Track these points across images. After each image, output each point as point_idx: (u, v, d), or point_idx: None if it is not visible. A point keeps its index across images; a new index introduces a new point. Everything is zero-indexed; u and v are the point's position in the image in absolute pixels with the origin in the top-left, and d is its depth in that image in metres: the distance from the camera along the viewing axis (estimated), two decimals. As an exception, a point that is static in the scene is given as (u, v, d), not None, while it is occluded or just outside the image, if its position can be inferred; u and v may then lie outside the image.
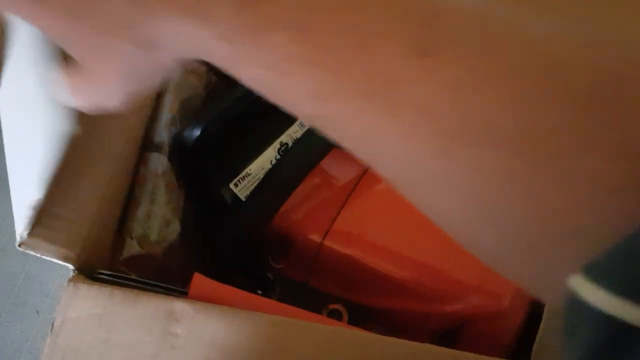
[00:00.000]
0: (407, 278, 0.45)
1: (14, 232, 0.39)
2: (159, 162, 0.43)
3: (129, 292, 0.37)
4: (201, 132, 0.44)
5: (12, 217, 0.39)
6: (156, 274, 0.43)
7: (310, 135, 0.47)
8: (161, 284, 0.39)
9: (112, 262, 0.42)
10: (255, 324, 0.36)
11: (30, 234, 0.37)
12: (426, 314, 0.46)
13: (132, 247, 0.41)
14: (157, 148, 0.43)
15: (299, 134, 0.52)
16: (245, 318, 0.36)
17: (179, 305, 0.36)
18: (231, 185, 0.49)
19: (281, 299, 0.49)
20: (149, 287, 0.39)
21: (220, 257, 0.46)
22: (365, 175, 0.50)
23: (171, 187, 0.44)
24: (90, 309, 0.36)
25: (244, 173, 0.49)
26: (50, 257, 0.38)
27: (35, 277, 1.43)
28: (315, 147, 0.47)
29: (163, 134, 0.44)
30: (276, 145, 0.51)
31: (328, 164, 0.51)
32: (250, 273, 0.51)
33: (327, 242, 0.47)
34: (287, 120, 0.52)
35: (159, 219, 0.42)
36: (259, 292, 0.51)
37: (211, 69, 0.50)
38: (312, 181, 0.50)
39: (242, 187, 0.49)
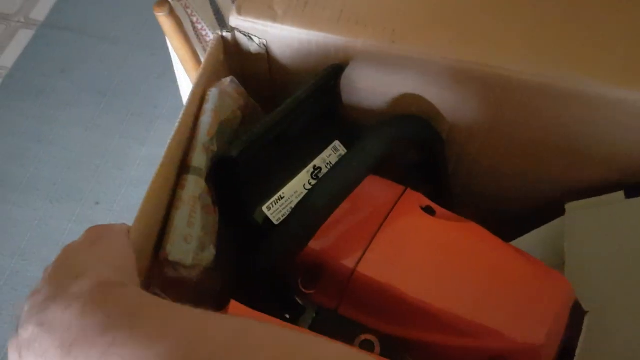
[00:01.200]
0: (441, 310, 0.45)
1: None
2: (196, 186, 0.43)
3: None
4: (238, 156, 0.43)
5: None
6: (191, 298, 0.43)
7: (346, 162, 0.47)
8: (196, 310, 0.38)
9: (148, 285, 0.41)
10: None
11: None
12: (460, 348, 0.45)
13: (168, 271, 0.41)
14: (194, 171, 0.43)
15: (332, 159, 0.52)
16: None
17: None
18: (264, 208, 0.48)
19: (312, 327, 0.48)
20: (185, 313, 0.38)
21: (252, 281, 0.45)
22: (399, 202, 0.50)
23: (207, 210, 0.43)
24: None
25: (277, 196, 0.49)
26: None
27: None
28: (351, 175, 0.46)
29: (201, 156, 0.43)
30: (309, 169, 0.51)
31: (361, 190, 0.50)
32: (279, 296, 0.51)
33: (360, 269, 0.46)
34: (321, 144, 0.52)
35: (195, 242, 0.42)
36: (287, 316, 0.51)
37: (246, 90, 0.50)
38: (346, 206, 0.49)
39: (275, 210, 0.49)
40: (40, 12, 1.71)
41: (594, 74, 0.46)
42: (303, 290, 0.50)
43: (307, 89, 0.47)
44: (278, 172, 0.50)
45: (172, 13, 0.72)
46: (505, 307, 0.45)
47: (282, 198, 0.49)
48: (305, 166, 0.51)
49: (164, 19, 0.73)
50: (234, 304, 0.38)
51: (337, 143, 0.52)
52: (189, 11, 0.78)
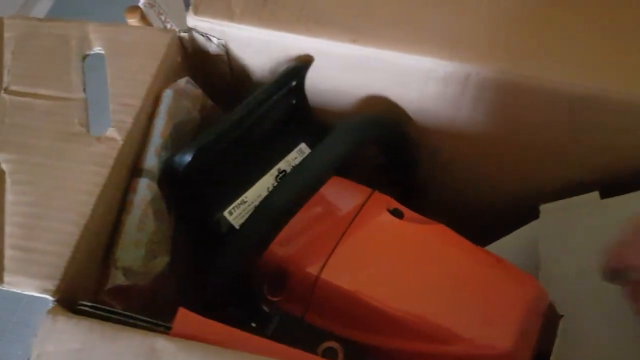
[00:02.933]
0: (406, 316, 0.43)
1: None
2: (147, 189, 0.41)
3: (109, 327, 0.35)
4: (193, 158, 0.42)
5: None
6: (144, 305, 0.41)
7: (307, 162, 0.45)
8: (143, 318, 0.37)
9: (97, 292, 0.40)
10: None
11: (8, 272, 0.36)
12: (427, 355, 0.43)
13: (116, 278, 0.39)
14: (147, 174, 0.42)
15: (297, 161, 0.50)
16: (231, 358, 0.34)
17: (161, 343, 0.34)
18: (225, 213, 0.47)
19: (275, 334, 0.46)
20: (131, 321, 0.37)
21: (212, 288, 0.44)
22: (365, 206, 0.48)
23: (160, 215, 0.42)
24: (68, 343, 0.34)
25: (239, 200, 0.48)
26: (30, 291, 0.36)
27: (39, 298, 1.41)
28: (312, 175, 0.45)
29: (153, 159, 0.42)
30: (274, 172, 0.49)
31: (327, 193, 0.49)
32: (245, 304, 0.49)
33: (324, 276, 0.45)
34: (286, 147, 0.51)
35: (146, 248, 0.40)
36: (253, 324, 0.49)
37: (206, 92, 0.49)
38: (310, 211, 0.48)
39: (237, 215, 0.47)
40: (39, 13, 1.73)
41: (570, 72, 0.45)
42: (269, 297, 0.48)
43: (264, 90, 0.46)
44: (241, 175, 0.48)
45: (143, 19, 0.71)
46: (472, 312, 0.43)
47: (244, 202, 0.48)
48: (270, 169, 0.49)
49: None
50: (181, 312, 0.36)
51: (303, 145, 0.51)
52: (163, 17, 0.77)
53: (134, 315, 0.37)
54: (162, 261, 0.41)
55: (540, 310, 0.45)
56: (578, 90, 0.44)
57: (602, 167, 0.51)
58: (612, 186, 0.51)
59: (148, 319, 0.37)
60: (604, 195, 0.51)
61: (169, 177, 0.43)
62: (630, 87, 0.44)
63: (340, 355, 0.43)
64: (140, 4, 0.79)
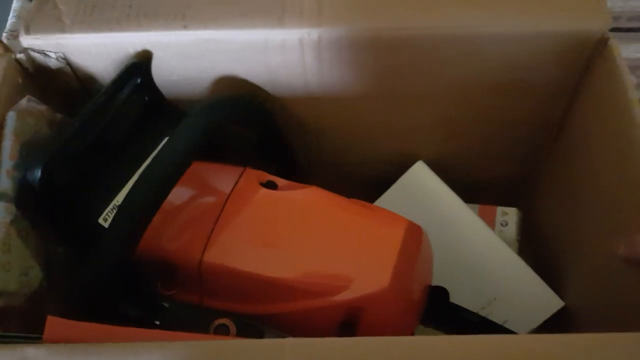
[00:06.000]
0: (289, 278, 0.45)
1: None
2: (5, 212, 0.41)
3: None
4: (42, 173, 0.42)
5: None
6: (25, 324, 0.42)
7: (160, 155, 0.45)
8: (17, 334, 0.37)
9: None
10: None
11: None
12: (316, 310, 0.45)
13: (-10, 303, 0.40)
14: (2, 197, 0.42)
15: (163, 157, 0.51)
16: (97, 351, 0.34)
17: (32, 352, 0.34)
18: (100, 220, 0.47)
19: (172, 325, 0.47)
20: (4, 340, 0.37)
21: (85, 292, 0.44)
22: (237, 184, 0.49)
23: (25, 234, 0.42)
24: None
25: (111, 206, 0.48)
26: None
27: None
28: (166, 166, 0.44)
29: (6, 181, 0.42)
30: (141, 171, 0.50)
31: (199, 177, 0.50)
32: (144, 305, 0.50)
33: (206, 258, 0.46)
34: (151, 144, 0.51)
35: (16, 268, 0.41)
36: (157, 322, 0.50)
37: (60, 106, 0.49)
38: (186, 201, 0.49)
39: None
40: None
41: (391, 17, 0.46)
42: (165, 292, 0.49)
43: (103, 93, 0.46)
44: (111, 180, 0.49)
45: (8, 52, 0.70)
46: (350, 260, 0.45)
47: (117, 207, 0.48)
48: (138, 169, 0.50)
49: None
50: (50, 320, 0.37)
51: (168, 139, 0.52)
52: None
53: (8, 334, 0.38)
54: (36, 277, 0.42)
55: (416, 246, 0.47)
56: (402, 33, 0.46)
57: (462, 104, 0.53)
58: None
59: (21, 335, 0.37)
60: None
61: (26, 196, 0.43)
62: (452, 21, 0.46)
63: (232, 330, 0.45)
64: (3, 37, 0.78)
